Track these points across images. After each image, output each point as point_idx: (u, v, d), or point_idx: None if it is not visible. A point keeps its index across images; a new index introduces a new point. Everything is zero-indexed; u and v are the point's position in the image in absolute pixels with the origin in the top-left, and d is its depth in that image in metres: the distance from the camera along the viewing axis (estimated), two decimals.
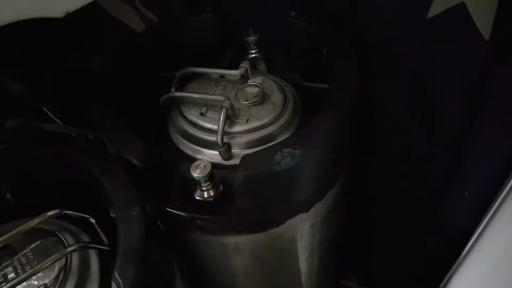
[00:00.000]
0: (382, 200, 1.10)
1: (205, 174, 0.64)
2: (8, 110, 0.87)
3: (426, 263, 1.01)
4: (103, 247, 0.60)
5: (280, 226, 0.73)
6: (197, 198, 0.68)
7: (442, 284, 0.89)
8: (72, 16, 0.69)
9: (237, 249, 0.75)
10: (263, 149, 0.65)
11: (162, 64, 0.91)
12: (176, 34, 0.92)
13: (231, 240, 0.73)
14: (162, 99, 0.81)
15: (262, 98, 0.76)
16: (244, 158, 0.63)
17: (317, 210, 0.77)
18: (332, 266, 1.14)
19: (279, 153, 0.62)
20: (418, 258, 1.06)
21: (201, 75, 0.84)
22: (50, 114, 0.94)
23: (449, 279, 0.85)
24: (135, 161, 0.65)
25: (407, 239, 1.08)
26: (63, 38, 0.92)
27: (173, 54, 0.90)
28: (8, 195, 0.72)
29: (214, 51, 0.95)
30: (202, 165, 0.65)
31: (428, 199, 0.92)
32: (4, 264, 0.57)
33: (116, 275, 0.49)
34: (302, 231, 0.79)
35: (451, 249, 0.83)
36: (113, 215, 0.58)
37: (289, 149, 0.62)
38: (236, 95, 0.78)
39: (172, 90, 0.81)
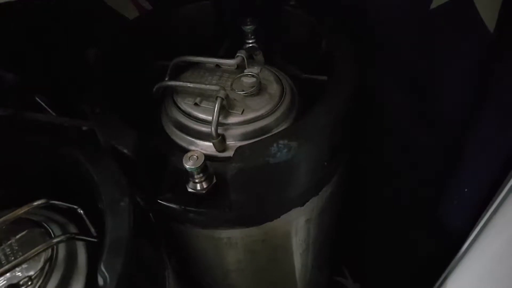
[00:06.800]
0: (378, 196, 1.09)
1: (198, 166, 0.63)
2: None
3: (422, 261, 1.00)
4: (90, 239, 0.58)
5: (274, 220, 0.71)
6: (190, 190, 0.66)
7: (439, 282, 0.87)
8: (65, 4, 0.67)
9: (230, 243, 0.73)
10: (258, 140, 0.63)
11: (157, 53, 0.88)
12: (171, 23, 0.90)
13: (224, 234, 0.71)
14: (155, 88, 0.78)
15: (259, 89, 0.75)
16: (238, 150, 0.61)
17: (313, 204, 0.75)
18: (326, 262, 1.13)
19: (274, 145, 0.60)
20: (413, 255, 1.05)
21: (196, 64, 0.82)
22: (43, 104, 0.92)
23: (446, 277, 0.84)
24: (125, 151, 0.63)
25: (403, 236, 1.07)
26: (55, 27, 0.90)
27: (168, 43, 0.88)
28: None
29: (210, 41, 0.93)
30: (195, 156, 0.63)
31: (426, 196, 0.91)
32: None
33: (103, 268, 0.47)
34: (297, 226, 0.77)
35: (448, 247, 0.82)
36: (101, 206, 0.56)
37: (285, 141, 0.60)
38: (231, 85, 0.76)
39: (166, 79, 0.79)
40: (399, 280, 1.15)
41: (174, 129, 0.75)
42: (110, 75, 0.78)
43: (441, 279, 0.86)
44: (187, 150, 0.69)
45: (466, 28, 0.66)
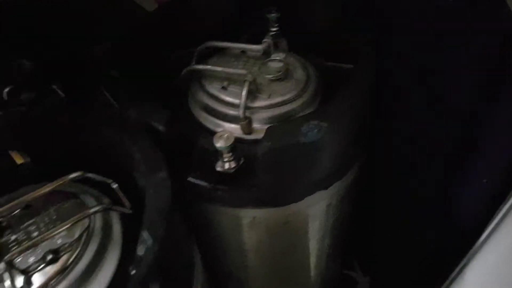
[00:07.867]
0: (393, 186, 1.09)
1: (228, 145, 0.64)
2: (21, 85, 0.86)
3: (435, 255, 1.00)
4: (126, 210, 0.59)
5: (298, 202, 0.73)
6: (218, 169, 0.68)
7: (453, 275, 0.87)
8: None
9: (254, 223, 0.75)
10: (290, 121, 0.65)
11: (178, 44, 0.90)
12: (191, 12, 0.91)
13: (249, 213, 0.73)
14: (183, 72, 0.80)
15: (285, 74, 0.76)
16: (270, 129, 0.63)
17: (335, 189, 0.77)
18: (340, 252, 1.14)
19: (305, 125, 0.62)
20: (426, 249, 1.05)
21: (222, 50, 0.84)
22: (60, 92, 0.94)
23: (461, 270, 0.84)
24: (160, 128, 0.64)
25: (416, 230, 1.08)
26: (74, 18, 0.91)
27: (188, 34, 0.89)
28: (29, 160, 0.71)
29: (230, 30, 0.94)
30: (225, 136, 0.65)
31: (442, 186, 0.92)
32: (27, 223, 0.57)
33: (146, 232, 0.48)
34: (319, 210, 0.79)
35: (464, 238, 0.83)
36: (139, 180, 0.57)
37: (316, 122, 0.62)
38: (258, 69, 0.77)
39: (193, 63, 0.81)
40: (411, 274, 1.16)
41: (201, 112, 0.77)
42: (133, 67, 0.79)
43: (456, 271, 0.86)
44: (214, 133, 0.71)
45: (481, 18, 0.67)
